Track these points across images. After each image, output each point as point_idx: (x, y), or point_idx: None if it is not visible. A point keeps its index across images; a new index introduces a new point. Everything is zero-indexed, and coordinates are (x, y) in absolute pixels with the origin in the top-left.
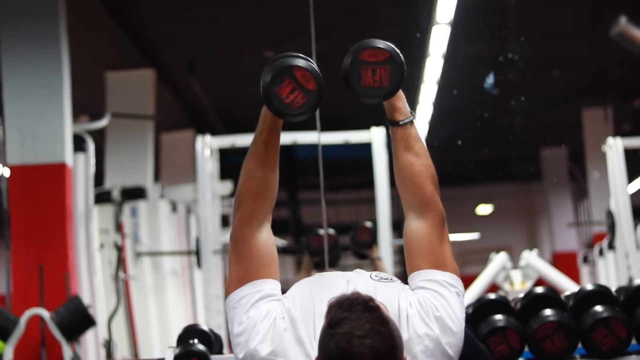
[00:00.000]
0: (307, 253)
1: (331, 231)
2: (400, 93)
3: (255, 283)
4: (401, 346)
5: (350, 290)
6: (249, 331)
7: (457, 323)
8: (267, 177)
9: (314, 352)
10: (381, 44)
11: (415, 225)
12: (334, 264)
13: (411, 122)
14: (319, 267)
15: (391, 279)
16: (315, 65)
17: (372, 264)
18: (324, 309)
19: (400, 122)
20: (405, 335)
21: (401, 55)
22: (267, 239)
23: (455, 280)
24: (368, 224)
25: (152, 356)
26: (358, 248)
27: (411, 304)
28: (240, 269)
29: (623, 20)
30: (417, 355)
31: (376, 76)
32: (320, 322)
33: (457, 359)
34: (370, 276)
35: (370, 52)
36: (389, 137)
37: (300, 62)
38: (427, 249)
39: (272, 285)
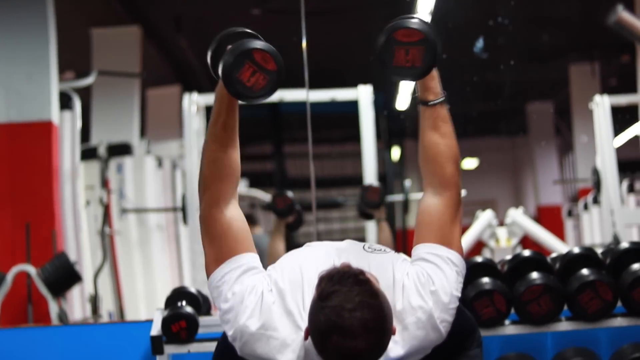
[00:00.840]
0: (275, 215)
1: (290, 194)
2: (434, 73)
3: (234, 259)
4: (391, 317)
5: (341, 262)
6: (236, 307)
7: (452, 300)
8: (230, 157)
9: (303, 323)
10: (416, 24)
11: (431, 201)
12: (296, 228)
13: (441, 103)
14: (291, 228)
15: (384, 250)
16: (271, 46)
17: (378, 224)
18: (312, 280)
19: (430, 103)
20: (399, 305)
21: (436, 35)
22: (237, 216)
23: (458, 260)
24: (377, 184)
25: (138, 312)
26: (366, 208)
27: (408, 275)
28: (215, 248)
29: (620, 9)
30: (409, 326)
31: (409, 56)
32: (309, 294)
33: (445, 335)
34: (364, 247)
35: (405, 32)
36: (375, 94)
37: (258, 44)
38: (437, 224)
39: (251, 259)
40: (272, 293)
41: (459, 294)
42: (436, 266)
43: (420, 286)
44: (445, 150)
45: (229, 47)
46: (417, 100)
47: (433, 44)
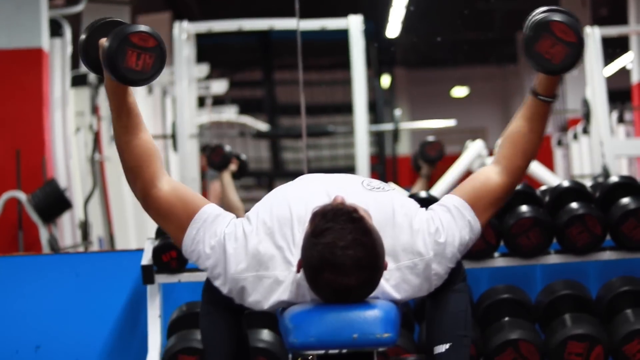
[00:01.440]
0: (215, 170)
1: (224, 147)
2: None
3: (195, 219)
4: (383, 255)
5: (335, 197)
6: (220, 259)
7: (453, 259)
8: (144, 140)
9: (294, 258)
10: (572, 24)
11: (492, 175)
12: (242, 175)
13: (549, 103)
14: (237, 177)
15: (383, 188)
16: (141, 25)
17: (419, 179)
18: (302, 215)
19: (541, 97)
20: (398, 242)
21: (583, 41)
22: (174, 184)
23: (477, 231)
24: (438, 140)
25: (128, 239)
26: (424, 161)
27: (417, 216)
28: (173, 222)
29: None
30: (402, 267)
31: (553, 50)
32: (298, 230)
33: (433, 289)
34: (362, 183)
35: (561, 27)
36: (365, 23)
37: (130, 28)
38: (483, 193)
39: (209, 209)
40: (258, 231)
41: (460, 256)
42: (455, 222)
43: (427, 234)
44: (527, 145)
45: (103, 41)
46: (532, 88)
47: (579, 49)
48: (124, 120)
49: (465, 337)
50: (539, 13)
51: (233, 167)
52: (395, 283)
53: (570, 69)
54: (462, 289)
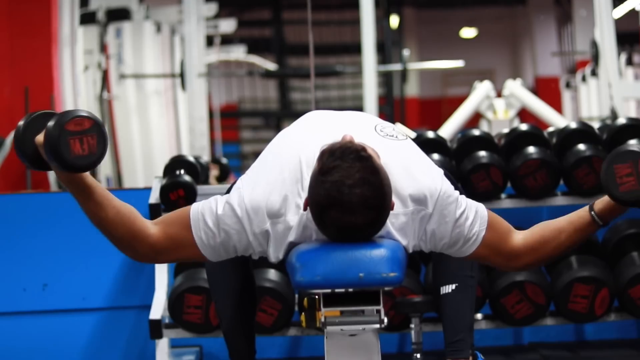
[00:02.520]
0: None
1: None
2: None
3: (192, 228)
4: (390, 194)
5: (344, 135)
6: (236, 232)
7: (446, 237)
8: (118, 207)
9: (302, 202)
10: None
11: (515, 234)
12: (226, 177)
13: (598, 225)
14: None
15: (397, 137)
16: (69, 110)
17: None
18: (311, 158)
19: (593, 214)
20: (406, 190)
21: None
22: (155, 222)
23: (467, 251)
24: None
25: (135, 178)
26: None
27: (437, 182)
28: (184, 247)
29: None
30: (408, 213)
31: (626, 178)
32: (307, 172)
33: (419, 247)
34: (375, 128)
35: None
36: None
37: (62, 118)
38: (498, 234)
39: (195, 210)
40: (265, 182)
41: (445, 245)
42: (475, 217)
43: (441, 196)
44: (553, 244)
45: (39, 139)
46: (591, 207)
47: None
48: (94, 199)
49: (471, 277)
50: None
51: (215, 172)
52: (400, 227)
53: (628, 204)
54: None
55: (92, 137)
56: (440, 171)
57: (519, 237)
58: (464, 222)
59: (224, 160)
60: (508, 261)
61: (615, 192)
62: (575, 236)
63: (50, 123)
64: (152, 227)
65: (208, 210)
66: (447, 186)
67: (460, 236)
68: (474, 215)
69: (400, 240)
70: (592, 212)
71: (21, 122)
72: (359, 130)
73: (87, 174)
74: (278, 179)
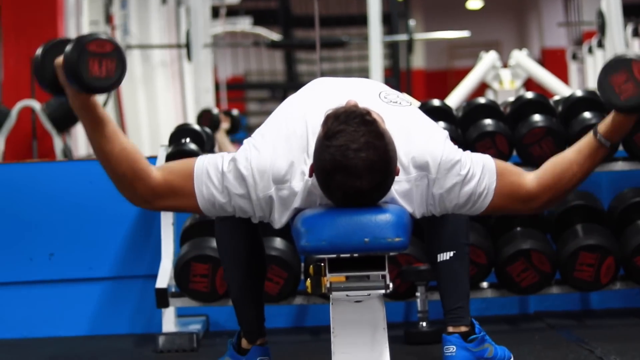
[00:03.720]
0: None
1: (214, 111)
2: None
3: (195, 180)
4: (395, 159)
5: (348, 100)
6: (239, 192)
7: (462, 199)
8: (125, 144)
9: (307, 168)
10: None
11: (526, 176)
12: (235, 131)
13: (605, 147)
14: (231, 132)
15: (400, 103)
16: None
17: None
18: (316, 124)
19: (599, 137)
20: (410, 156)
21: None
22: (160, 167)
23: (480, 206)
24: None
25: (141, 148)
26: None
27: (440, 145)
28: (182, 196)
29: None
30: (411, 180)
31: (624, 85)
32: (312, 139)
33: (429, 212)
34: (380, 95)
35: None
36: None
37: (87, 37)
38: (509, 181)
39: (200, 162)
40: (272, 147)
41: (457, 207)
42: (482, 172)
43: (445, 160)
44: (566, 173)
45: (59, 60)
46: (595, 131)
47: None
48: (103, 131)
49: (466, 245)
50: (628, 54)
51: (225, 125)
52: (404, 194)
53: (634, 110)
54: None
55: (112, 60)
56: (444, 134)
57: (532, 179)
58: (471, 179)
59: (235, 112)
60: (526, 205)
61: (617, 102)
62: (587, 164)
63: (72, 43)
64: (155, 171)
65: (213, 166)
66: (449, 149)
67: (471, 194)
68: (481, 171)
69: (405, 206)
70: (598, 136)
71: (40, 49)
72: (363, 96)
73: (100, 106)
74: (285, 145)
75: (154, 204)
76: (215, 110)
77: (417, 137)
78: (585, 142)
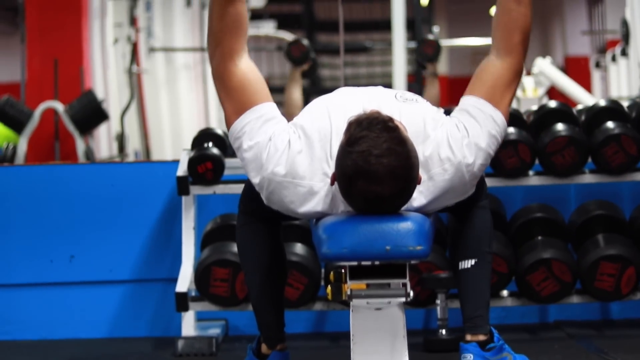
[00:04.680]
0: (291, 63)
1: (305, 41)
2: None
3: (254, 109)
4: (417, 166)
5: (370, 109)
6: (261, 156)
7: (484, 156)
8: (238, 10)
9: (330, 169)
10: None
11: (493, 62)
12: (311, 75)
13: None
14: (306, 76)
15: (416, 100)
16: None
17: (427, 78)
18: (341, 128)
19: None
20: (427, 153)
21: None
22: (251, 67)
23: (501, 121)
24: (433, 37)
25: (164, 152)
26: (422, 60)
27: (443, 125)
28: (234, 101)
29: None
30: (434, 176)
31: None
32: (337, 142)
33: (472, 188)
34: (395, 96)
35: None
36: None
37: None
38: (492, 83)
39: (270, 108)
40: (299, 141)
41: (493, 153)
42: (476, 121)
43: (452, 139)
44: (517, 18)
45: None
46: None
47: None
48: None
49: (489, 253)
50: None
51: (305, 66)
52: (427, 193)
53: None
54: (486, 205)
55: None
56: (447, 118)
57: (495, 55)
58: (479, 130)
59: (313, 55)
60: (512, 69)
61: None
62: None
63: None
64: (241, 61)
65: (267, 125)
66: (455, 129)
67: (489, 130)
68: (475, 115)
69: (429, 206)
70: None
71: None
72: (381, 100)
73: None
74: (309, 142)
75: (215, 78)
76: (307, 43)
77: (430, 132)
78: None
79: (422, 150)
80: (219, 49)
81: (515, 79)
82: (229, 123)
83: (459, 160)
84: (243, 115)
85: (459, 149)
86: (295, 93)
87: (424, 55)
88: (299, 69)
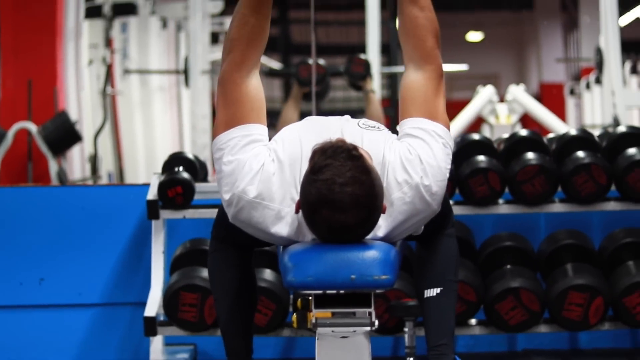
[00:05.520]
0: (296, 82)
1: (321, 62)
2: None
3: (245, 127)
4: (381, 195)
5: (335, 137)
6: (236, 173)
7: (440, 172)
8: (260, 24)
9: (297, 195)
10: None
11: (413, 76)
12: (322, 97)
13: None
14: (308, 98)
15: (378, 128)
16: None
17: (365, 97)
18: (310, 154)
19: None
20: (384, 182)
21: None
22: (256, 85)
23: (444, 132)
24: (363, 56)
25: (137, 174)
26: (353, 80)
27: (395, 152)
28: (229, 112)
29: None
30: (394, 201)
31: None
32: (305, 167)
33: (437, 207)
34: (358, 124)
35: None
36: None
37: None
38: (421, 98)
39: (260, 130)
40: (273, 164)
41: (448, 166)
42: (422, 140)
43: (407, 162)
44: (425, 23)
45: None
46: None
47: None
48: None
49: (455, 282)
50: None
51: (307, 88)
52: (391, 220)
53: None
54: (452, 233)
55: None
56: (398, 142)
57: (413, 68)
58: (428, 149)
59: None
60: (435, 73)
61: None
62: (408, 1)
63: None
64: (250, 77)
65: (252, 144)
66: (406, 152)
67: (437, 147)
68: (421, 136)
69: (394, 233)
70: None
71: None
72: (345, 127)
73: None
74: (280, 166)
75: (219, 83)
76: (321, 61)
77: (389, 157)
78: None
79: (383, 175)
80: (230, 55)
81: (440, 83)
82: (216, 132)
83: (417, 182)
84: (232, 129)
85: (415, 171)
86: (292, 113)
87: (354, 75)
88: (302, 90)
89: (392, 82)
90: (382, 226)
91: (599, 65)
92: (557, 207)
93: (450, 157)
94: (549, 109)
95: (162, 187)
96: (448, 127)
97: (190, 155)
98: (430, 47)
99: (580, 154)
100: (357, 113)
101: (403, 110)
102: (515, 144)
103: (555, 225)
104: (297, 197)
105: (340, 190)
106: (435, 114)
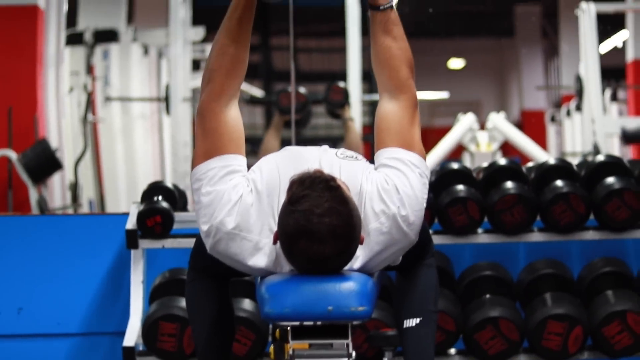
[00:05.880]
0: (277, 111)
1: (302, 90)
2: None
3: (223, 157)
4: (359, 226)
5: (313, 168)
6: (215, 204)
7: (417, 202)
8: (239, 54)
9: (275, 226)
10: None
11: (388, 106)
12: (304, 124)
13: (391, 7)
14: (289, 126)
15: (356, 157)
16: None
17: (344, 125)
18: (287, 184)
19: (381, 7)
20: (362, 212)
21: None
22: (235, 115)
23: (419, 162)
24: (341, 84)
25: (118, 202)
26: (331, 108)
27: (373, 182)
28: (207, 142)
29: None
30: (371, 232)
31: None
32: (284, 197)
33: (415, 237)
34: (336, 154)
35: None
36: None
37: None
38: (396, 128)
39: (239, 162)
40: (251, 194)
41: (425, 196)
42: (398, 170)
43: (383, 192)
44: (398, 53)
45: None
46: (367, 5)
47: None
48: (233, 24)
49: (434, 312)
50: None
51: (287, 117)
52: (368, 250)
53: None
54: (432, 263)
55: None
56: (374, 172)
57: (387, 98)
58: (404, 179)
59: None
60: (410, 103)
61: None
62: (396, 30)
63: None
64: (229, 107)
65: (230, 175)
66: (384, 181)
67: (413, 176)
68: (396, 166)
69: (371, 263)
70: (373, 10)
71: None
72: (323, 158)
73: (254, 5)
74: (258, 197)
75: (198, 113)
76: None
77: (365, 188)
78: (378, 22)
79: (360, 205)
80: (209, 85)
81: (415, 112)
82: (195, 163)
83: (394, 212)
84: (211, 160)
85: (392, 201)
86: (273, 141)
87: (333, 102)
88: (283, 118)
89: (373, 109)
90: (360, 257)
91: (579, 92)
92: (536, 237)
93: (427, 186)
94: (530, 136)
95: (141, 216)
96: (424, 157)
97: (169, 185)
98: (405, 77)
99: (559, 183)
100: (339, 140)
101: (379, 141)
102: (494, 173)
103: (534, 255)
104: (275, 228)
105: (318, 221)
106: (411, 143)
